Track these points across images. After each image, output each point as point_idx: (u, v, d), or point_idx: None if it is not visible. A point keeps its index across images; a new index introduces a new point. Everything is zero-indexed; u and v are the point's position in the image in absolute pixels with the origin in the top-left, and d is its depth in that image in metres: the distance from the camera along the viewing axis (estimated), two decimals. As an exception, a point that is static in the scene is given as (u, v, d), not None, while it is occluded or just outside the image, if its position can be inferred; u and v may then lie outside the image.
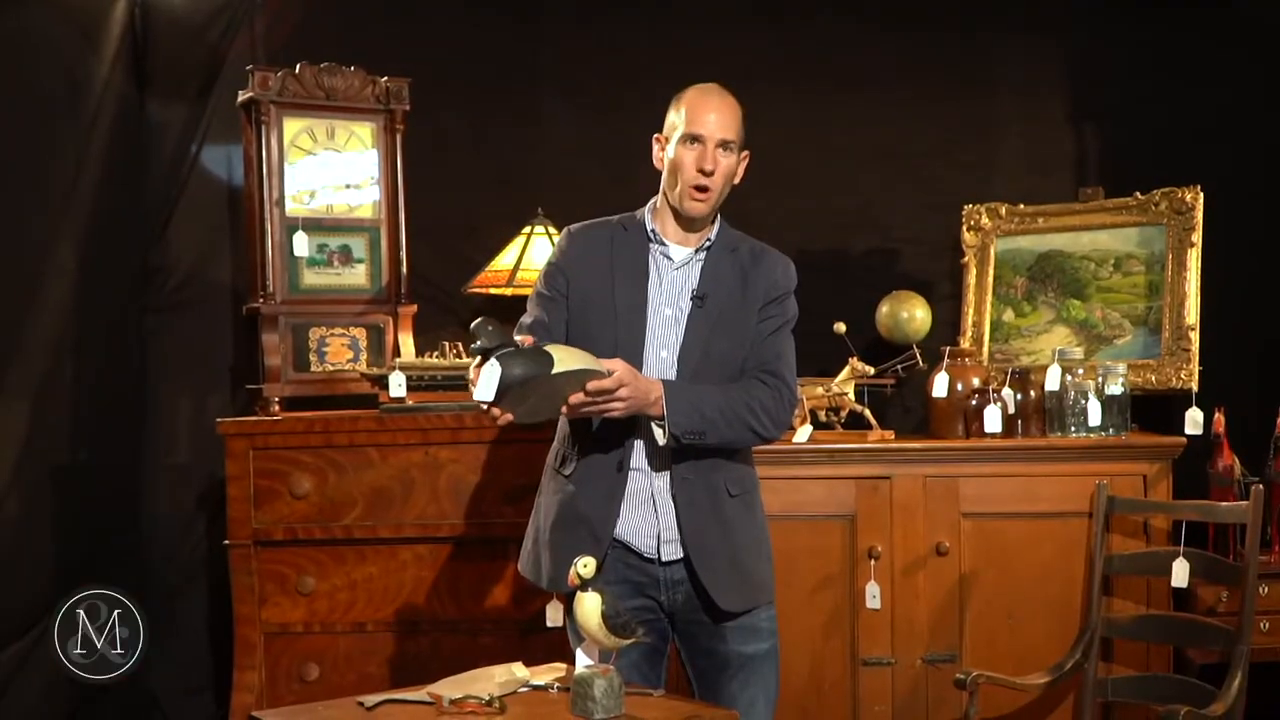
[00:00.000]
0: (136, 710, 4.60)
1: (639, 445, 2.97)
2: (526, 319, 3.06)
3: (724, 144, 3.00)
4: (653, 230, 3.07)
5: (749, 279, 3.06)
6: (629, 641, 2.54)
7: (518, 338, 2.75)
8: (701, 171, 2.97)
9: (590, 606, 2.50)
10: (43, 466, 4.24)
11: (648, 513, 2.98)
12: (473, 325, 2.68)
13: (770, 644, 3.06)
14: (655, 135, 3.09)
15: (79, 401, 4.40)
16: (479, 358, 2.67)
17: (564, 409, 2.79)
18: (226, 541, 3.99)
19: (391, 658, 3.99)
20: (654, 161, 3.09)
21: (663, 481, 2.97)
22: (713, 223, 3.10)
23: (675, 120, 3.03)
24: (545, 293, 3.07)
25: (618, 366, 2.80)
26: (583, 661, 2.56)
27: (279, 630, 4.00)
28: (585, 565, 2.50)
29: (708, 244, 3.07)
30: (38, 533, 4.25)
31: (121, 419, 4.61)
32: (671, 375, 2.97)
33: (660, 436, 2.89)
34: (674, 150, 3.02)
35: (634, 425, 2.95)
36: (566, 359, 2.68)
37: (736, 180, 3.08)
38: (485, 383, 2.61)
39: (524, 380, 2.62)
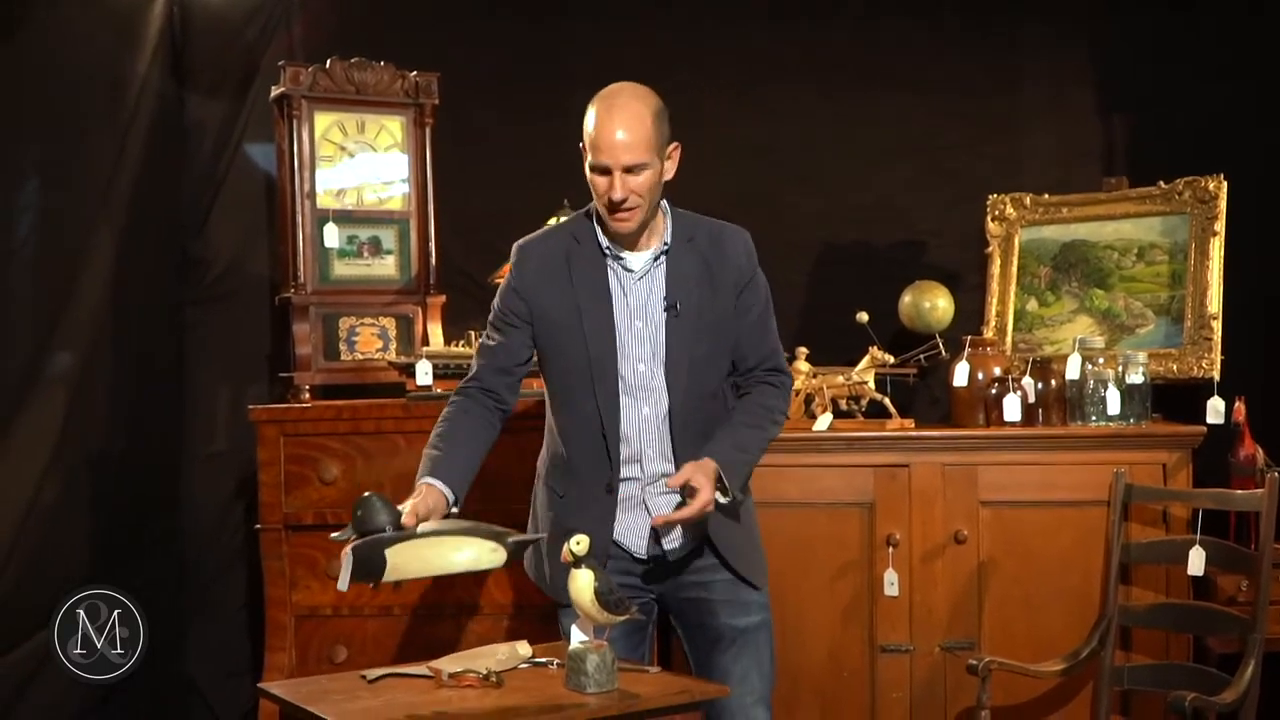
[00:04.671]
0: (175, 694, 4.70)
1: (625, 468, 2.99)
2: (489, 341, 3.07)
3: (631, 168, 2.86)
4: (607, 248, 2.98)
5: (713, 269, 2.99)
6: (622, 618, 2.58)
7: (405, 507, 2.66)
8: (612, 200, 2.87)
9: (583, 583, 2.53)
10: (81, 454, 4.35)
11: (640, 515, 3.02)
12: (355, 501, 2.60)
13: (761, 618, 3.07)
14: (581, 143, 2.94)
15: (117, 391, 4.51)
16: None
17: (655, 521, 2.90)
18: (258, 526, 4.08)
19: (417, 641, 4.05)
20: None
21: (654, 491, 3.02)
22: (663, 215, 3.02)
23: (584, 141, 2.91)
24: (504, 318, 3.03)
25: (692, 475, 2.82)
26: (577, 637, 2.60)
27: (309, 613, 4.08)
28: (579, 543, 2.54)
29: (665, 247, 2.99)
30: (76, 519, 4.36)
31: (160, 408, 4.71)
32: (653, 387, 2.97)
33: (722, 499, 2.91)
34: (588, 172, 2.91)
35: (618, 449, 2.97)
36: (410, 562, 2.53)
37: (669, 176, 2.97)
38: (343, 571, 2.54)
39: (367, 580, 2.56)
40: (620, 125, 2.85)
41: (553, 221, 4.35)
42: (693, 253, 3.00)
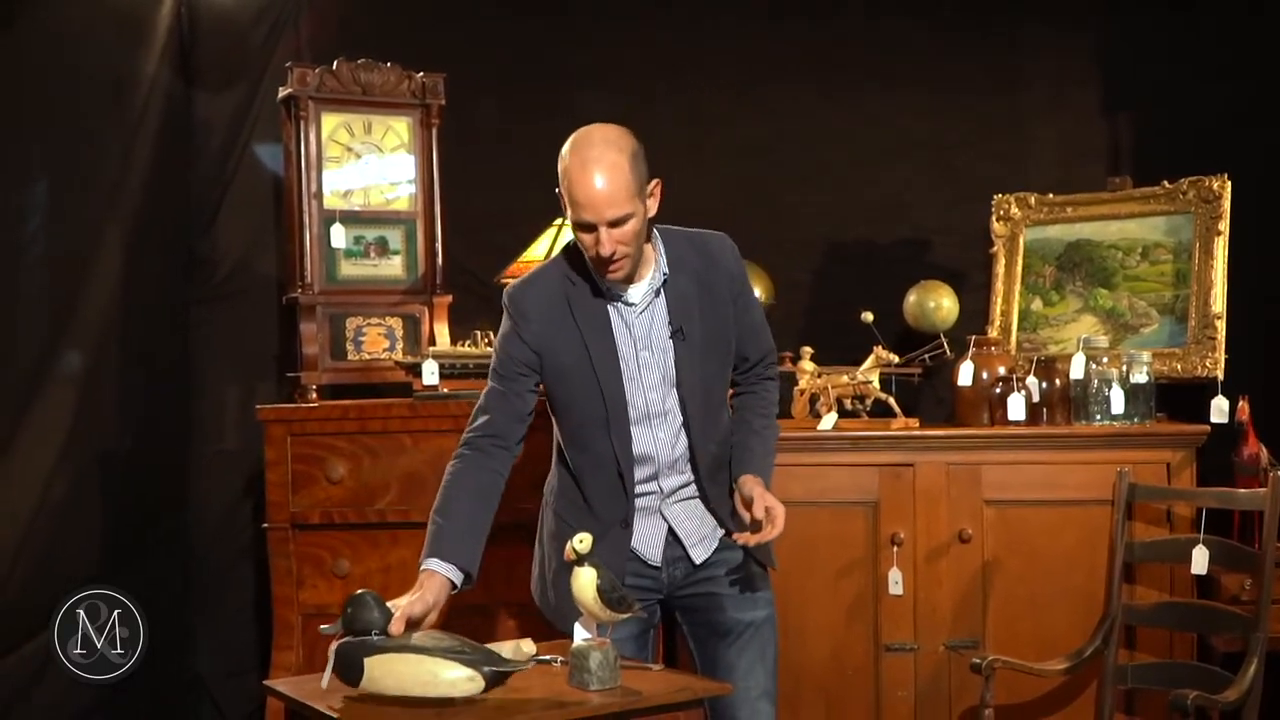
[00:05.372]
0: (179, 693, 4.72)
1: (641, 485, 3.00)
2: (500, 388, 2.98)
3: (614, 221, 2.78)
4: (607, 289, 2.94)
5: (708, 282, 2.98)
6: (625, 616, 2.59)
7: (401, 603, 2.63)
8: (600, 255, 2.82)
9: (586, 580, 2.54)
10: (88, 454, 4.37)
11: (655, 522, 3.04)
12: (347, 598, 2.58)
13: (767, 612, 3.08)
14: (557, 188, 2.86)
15: (125, 391, 4.52)
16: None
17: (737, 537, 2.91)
18: (265, 524, 4.10)
19: (422, 639, 4.07)
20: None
21: (671, 500, 3.04)
22: (654, 244, 2.97)
23: (562, 194, 2.83)
24: (514, 367, 2.96)
25: (761, 498, 2.86)
26: (580, 635, 2.62)
27: (315, 612, 4.08)
28: (581, 541, 2.55)
29: (665, 278, 2.95)
30: (83, 518, 4.37)
31: (168, 408, 4.73)
32: (665, 410, 2.98)
33: None
34: (571, 225, 2.86)
35: (634, 483, 2.98)
36: (386, 677, 2.49)
37: (653, 214, 2.90)
38: (327, 668, 2.55)
39: (347, 680, 2.55)
40: (599, 179, 2.76)
41: (554, 224, 4.38)
42: (686, 272, 2.97)
